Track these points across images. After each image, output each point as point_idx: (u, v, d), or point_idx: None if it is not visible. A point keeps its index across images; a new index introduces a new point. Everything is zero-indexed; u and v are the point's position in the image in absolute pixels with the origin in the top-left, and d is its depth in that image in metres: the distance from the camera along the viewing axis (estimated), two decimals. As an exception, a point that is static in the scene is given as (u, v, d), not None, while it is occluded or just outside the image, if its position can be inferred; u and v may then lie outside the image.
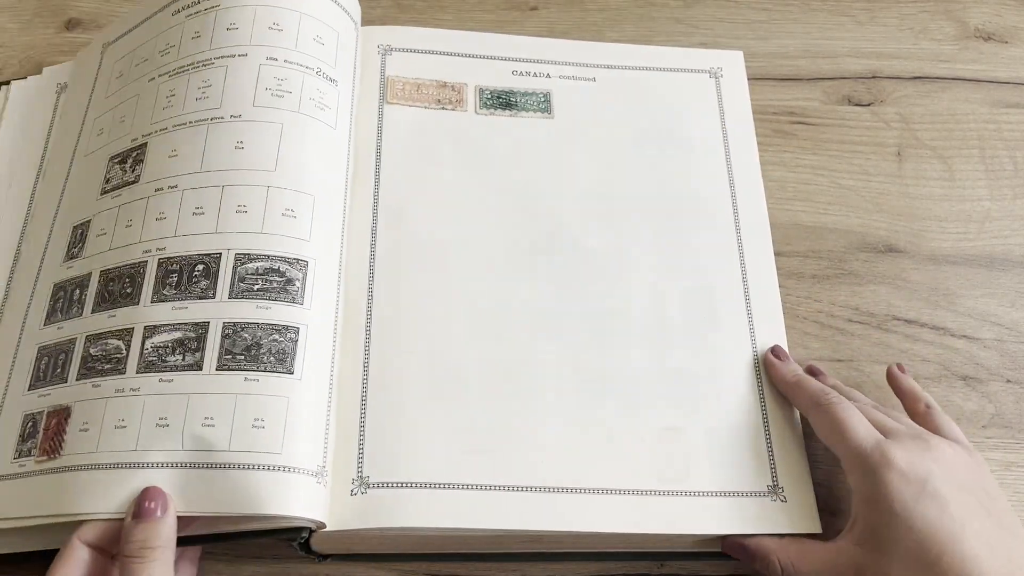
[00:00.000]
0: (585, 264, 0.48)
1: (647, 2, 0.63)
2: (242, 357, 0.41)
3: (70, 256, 0.47)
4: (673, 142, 0.53)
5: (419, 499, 0.41)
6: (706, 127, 0.54)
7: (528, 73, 0.54)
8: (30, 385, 0.44)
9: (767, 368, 0.46)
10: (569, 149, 0.52)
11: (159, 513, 0.37)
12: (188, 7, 0.51)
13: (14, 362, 0.46)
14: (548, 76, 0.55)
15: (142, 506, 0.37)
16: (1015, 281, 0.53)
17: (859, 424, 0.41)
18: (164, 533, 0.37)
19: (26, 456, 0.42)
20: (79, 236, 0.47)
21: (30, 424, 0.43)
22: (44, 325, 0.46)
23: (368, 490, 0.41)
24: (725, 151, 0.53)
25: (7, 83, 0.57)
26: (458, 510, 0.41)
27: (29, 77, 0.57)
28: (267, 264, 0.43)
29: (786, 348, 0.47)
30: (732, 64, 0.57)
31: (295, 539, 0.40)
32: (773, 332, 0.48)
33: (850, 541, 0.39)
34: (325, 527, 0.40)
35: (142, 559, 0.36)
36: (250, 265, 0.42)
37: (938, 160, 0.57)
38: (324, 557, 0.43)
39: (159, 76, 0.49)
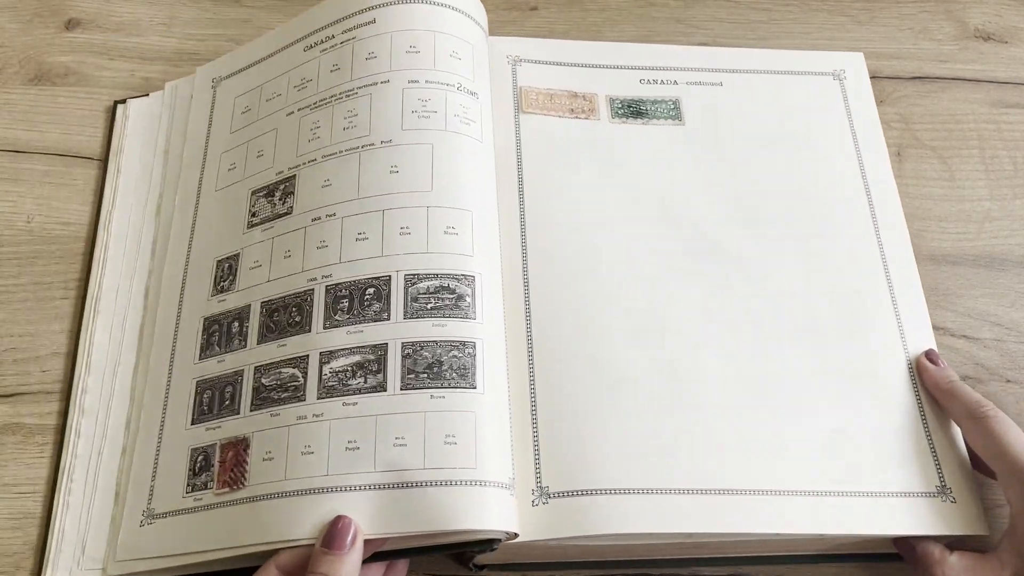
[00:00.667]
0: (731, 268, 0.48)
1: (647, 2, 0.63)
2: (425, 375, 0.41)
3: (219, 290, 0.48)
4: (803, 145, 0.53)
5: (601, 506, 0.41)
6: (835, 129, 0.54)
7: (655, 81, 0.55)
8: (193, 420, 0.45)
9: (920, 372, 0.46)
10: (703, 155, 0.52)
11: (347, 545, 0.37)
12: (322, 42, 0.52)
13: (167, 399, 0.46)
14: (675, 83, 0.55)
15: (331, 534, 0.37)
16: (1015, 281, 0.53)
17: (1018, 439, 0.41)
18: (347, 569, 0.37)
19: (201, 490, 0.42)
20: (227, 270, 0.48)
21: (200, 458, 0.43)
22: (199, 359, 0.46)
23: (550, 500, 0.41)
24: (856, 153, 0.53)
25: (123, 101, 0.57)
26: (641, 515, 0.41)
27: (151, 94, 0.57)
28: (437, 283, 0.43)
29: (936, 349, 0.47)
30: (854, 66, 0.57)
31: (483, 550, 0.40)
32: (922, 333, 0.48)
33: (1011, 553, 0.39)
34: (517, 538, 0.40)
35: None
36: (420, 285, 0.43)
37: (938, 160, 0.57)
38: (481, 568, 0.44)
39: (299, 110, 0.50)
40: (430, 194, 0.45)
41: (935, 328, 0.49)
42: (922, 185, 0.56)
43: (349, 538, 0.37)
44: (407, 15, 0.50)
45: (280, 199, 0.48)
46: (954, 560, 0.41)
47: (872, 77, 0.58)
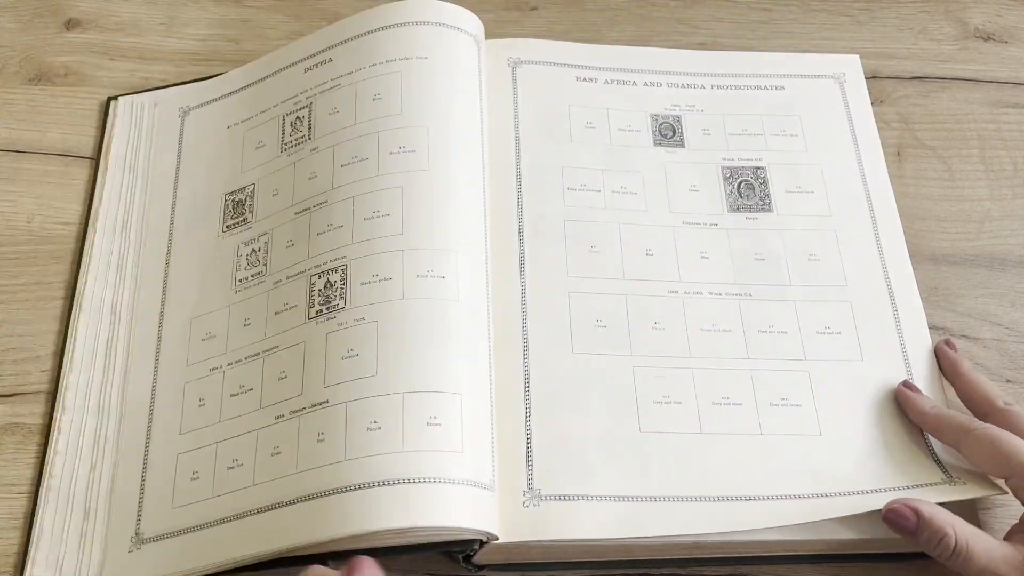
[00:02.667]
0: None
1: (647, 2, 0.63)
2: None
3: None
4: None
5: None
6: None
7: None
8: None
9: (902, 402, 0.45)
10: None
11: None
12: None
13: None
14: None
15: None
16: (1015, 281, 0.53)
17: (1020, 443, 0.40)
18: None
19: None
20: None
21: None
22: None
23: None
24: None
25: (115, 98, 0.57)
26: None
27: (141, 92, 0.58)
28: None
29: (931, 346, 0.47)
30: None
31: (464, 551, 0.41)
32: (919, 335, 0.48)
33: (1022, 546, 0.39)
34: (497, 540, 0.40)
35: None
36: None
37: (938, 160, 0.57)
38: (481, 568, 0.43)
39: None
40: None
41: (936, 328, 0.49)
42: (922, 185, 0.56)
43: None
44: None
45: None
46: (962, 521, 0.39)
47: (872, 77, 0.58)
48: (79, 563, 0.43)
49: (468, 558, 0.42)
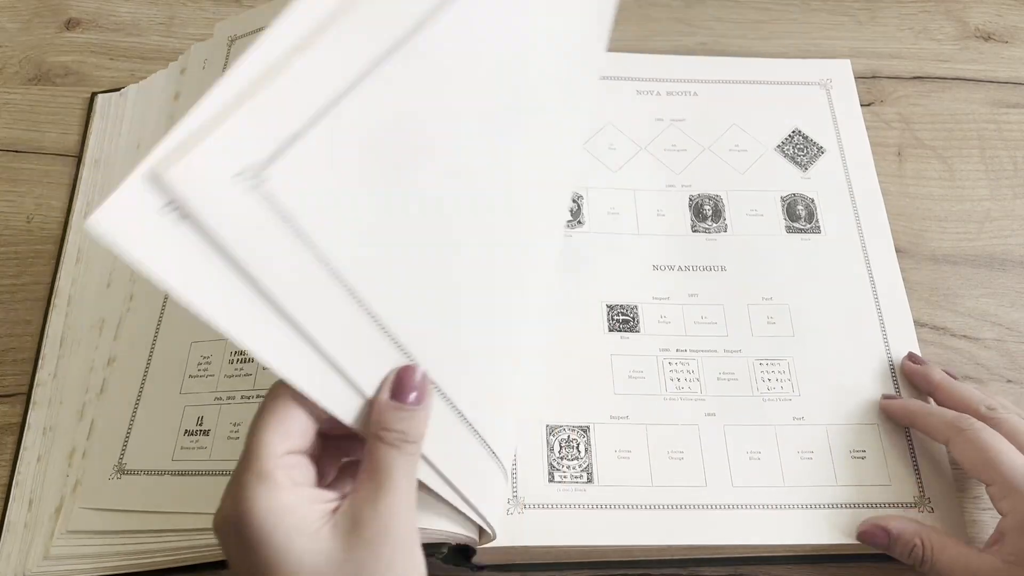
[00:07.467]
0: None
1: (647, 2, 0.63)
2: None
3: None
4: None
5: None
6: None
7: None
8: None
9: (909, 375, 0.46)
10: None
11: (424, 398, 0.31)
12: None
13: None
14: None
15: (402, 384, 0.30)
16: (1015, 281, 0.53)
17: (1008, 450, 0.40)
18: (422, 428, 0.31)
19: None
20: None
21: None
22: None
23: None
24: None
25: (96, 95, 0.57)
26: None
27: (120, 90, 0.57)
28: None
29: (920, 354, 0.47)
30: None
31: (466, 555, 0.41)
32: (905, 339, 0.48)
33: (996, 556, 0.38)
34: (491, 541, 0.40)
35: (399, 449, 0.30)
36: None
37: (938, 160, 0.57)
38: (480, 568, 0.43)
39: None
40: None
41: (936, 328, 0.49)
42: (922, 185, 0.56)
43: (422, 389, 0.31)
44: None
45: None
46: (931, 529, 0.40)
47: (872, 77, 0.58)
48: (21, 552, 0.43)
49: (467, 558, 0.42)
